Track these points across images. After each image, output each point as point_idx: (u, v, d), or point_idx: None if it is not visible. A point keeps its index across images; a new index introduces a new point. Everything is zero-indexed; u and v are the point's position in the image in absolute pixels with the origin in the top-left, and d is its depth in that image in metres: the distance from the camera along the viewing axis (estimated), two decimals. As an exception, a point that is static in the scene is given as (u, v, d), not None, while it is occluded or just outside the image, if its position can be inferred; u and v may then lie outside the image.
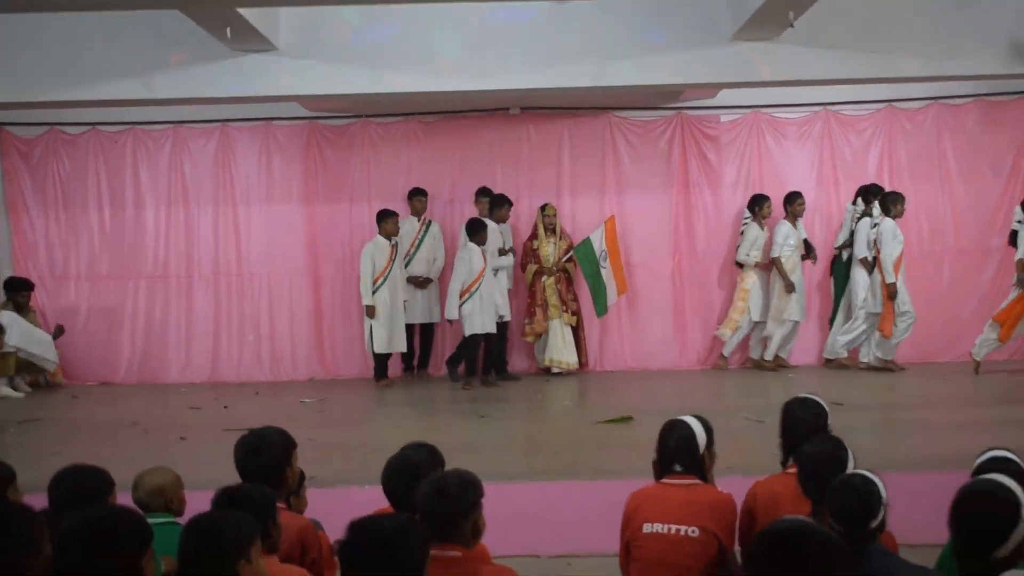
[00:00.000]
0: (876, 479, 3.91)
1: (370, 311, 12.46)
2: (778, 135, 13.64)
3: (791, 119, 13.63)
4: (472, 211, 13.10)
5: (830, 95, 13.25)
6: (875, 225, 12.37)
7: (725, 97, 13.19)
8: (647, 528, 4.57)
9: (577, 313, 13.10)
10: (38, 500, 4.40)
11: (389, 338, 12.58)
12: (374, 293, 12.44)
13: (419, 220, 13.04)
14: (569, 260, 12.93)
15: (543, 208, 13.07)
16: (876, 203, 12.57)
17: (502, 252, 12.62)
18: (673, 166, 13.62)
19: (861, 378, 12.08)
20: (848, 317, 12.87)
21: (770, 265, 12.95)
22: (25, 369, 12.47)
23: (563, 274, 12.98)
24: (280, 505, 4.37)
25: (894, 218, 12.30)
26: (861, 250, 12.63)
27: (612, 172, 13.62)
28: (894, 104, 13.51)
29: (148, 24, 9.82)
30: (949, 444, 8.05)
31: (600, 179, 13.55)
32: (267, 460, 4.65)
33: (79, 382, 13.27)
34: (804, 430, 5.01)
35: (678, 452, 4.72)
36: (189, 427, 9.80)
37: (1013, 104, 13.49)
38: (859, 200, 12.87)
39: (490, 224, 12.43)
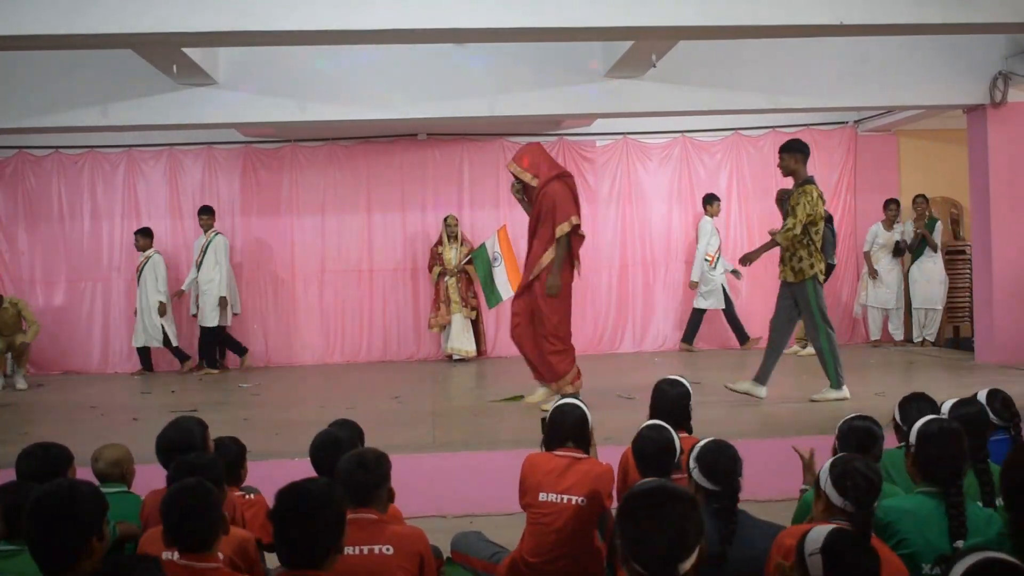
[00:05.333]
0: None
1: (162, 308, 12.64)
2: (644, 157, 13.76)
3: (655, 144, 13.76)
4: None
5: (687, 124, 13.40)
6: None
7: (600, 125, 13.26)
8: (543, 497, 4.59)
9: (476, 308, 13.13)
10: (7, 474, 4.30)
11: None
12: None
13: (205, 235, 12.75)
14: (468, 263, 12.94)
15: (446, 219, 13.07)
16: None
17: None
18: (556, 183, 13.67)
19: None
20: None
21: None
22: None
23: (463, 275, 13.00)
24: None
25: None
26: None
27: (505, 188, 13.57)
28: (739, 132, 13.72)
29: (105, 61, 9.62)
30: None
31: (495, 195, 13.55)
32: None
33: (44, 372, 12.92)
34: (669, 404, 5.02)
35: (574, 430, 4.73)
36: (141, 409, 9.60)
37: (835, 132, 13.83)
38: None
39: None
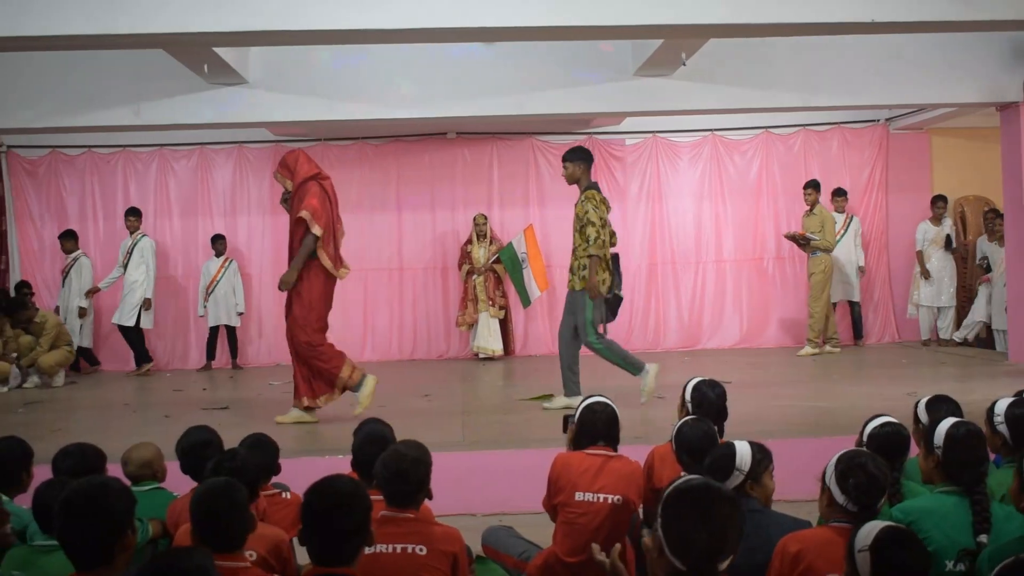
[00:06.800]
0: (741, 446, 3.93)
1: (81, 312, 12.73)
2: (674, 156, 13.73)
3: (684, 142, 13.73)
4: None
5: (717, 122, 13.36)
6: None
7: (629, 124, 13.25)
8: (579, 496, 4.55)
9: (505, 307, 13.16)
10: (43, 471, 4.34)
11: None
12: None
13: (131, 236, 12.76)
14: (496, 261, 12.97)
15: (475, 218, 13.12)
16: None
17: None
18: (586, 182, 13.68)
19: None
20: None
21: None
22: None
23: (491, 273, 13.02)
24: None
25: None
26: None
27: (535, 187, 13.66)
28: (770, 130, 13.65)
29: (136, 61, 9.68)
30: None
31: (524, 193, 13.58)
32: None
33: (76, 369, 12.96)
34: (708, 406, 4.99)
35: (604, 429, 4.69)
36: (173, 406, 9.66)
37: (866, 131, 13.76)
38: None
39: None
